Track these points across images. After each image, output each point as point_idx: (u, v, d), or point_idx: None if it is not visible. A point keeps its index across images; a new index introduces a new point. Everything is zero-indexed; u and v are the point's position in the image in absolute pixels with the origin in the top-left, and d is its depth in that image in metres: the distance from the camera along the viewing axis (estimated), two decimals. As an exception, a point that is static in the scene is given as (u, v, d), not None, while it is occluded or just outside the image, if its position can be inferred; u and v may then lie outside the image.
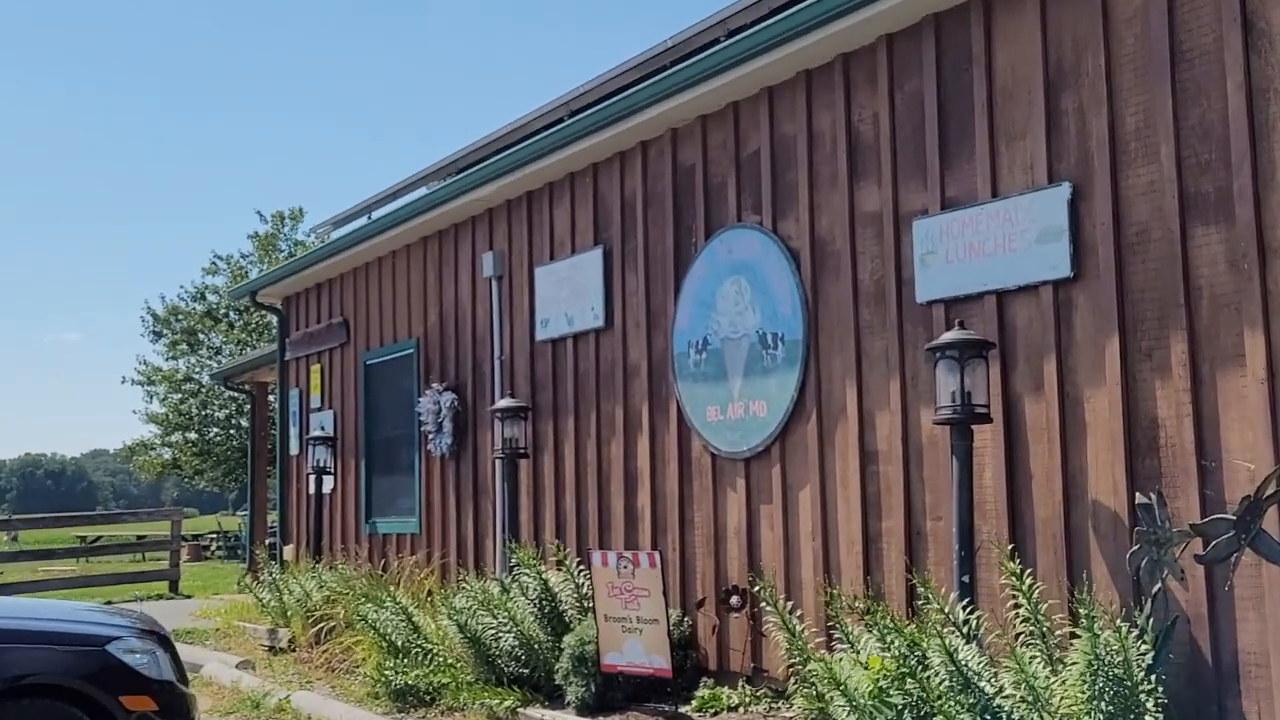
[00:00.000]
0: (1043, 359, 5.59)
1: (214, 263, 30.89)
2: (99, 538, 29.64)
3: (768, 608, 6.17)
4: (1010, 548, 5.46)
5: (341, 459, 12.29)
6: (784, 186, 7.11)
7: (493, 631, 7.85)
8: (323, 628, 10.27)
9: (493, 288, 9.82)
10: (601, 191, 8.70)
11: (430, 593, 10.10)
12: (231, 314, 30.02)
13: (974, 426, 5.60)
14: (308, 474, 12.29)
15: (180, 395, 30.63)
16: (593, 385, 8.63)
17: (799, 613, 6.37)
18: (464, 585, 8.46)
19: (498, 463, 9.47)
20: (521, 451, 8.80)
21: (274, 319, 14.32)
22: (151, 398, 30.88)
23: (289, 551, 13.26)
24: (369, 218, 12.02)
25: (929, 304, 6.13)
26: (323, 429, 12.40)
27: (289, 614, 11.04)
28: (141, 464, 31.86)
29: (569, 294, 8.87)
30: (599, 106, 8.16)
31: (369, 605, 8.91)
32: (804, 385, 6.85)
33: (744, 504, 7.26)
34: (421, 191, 11.10)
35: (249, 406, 18.39)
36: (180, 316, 30.84)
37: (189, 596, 16.82)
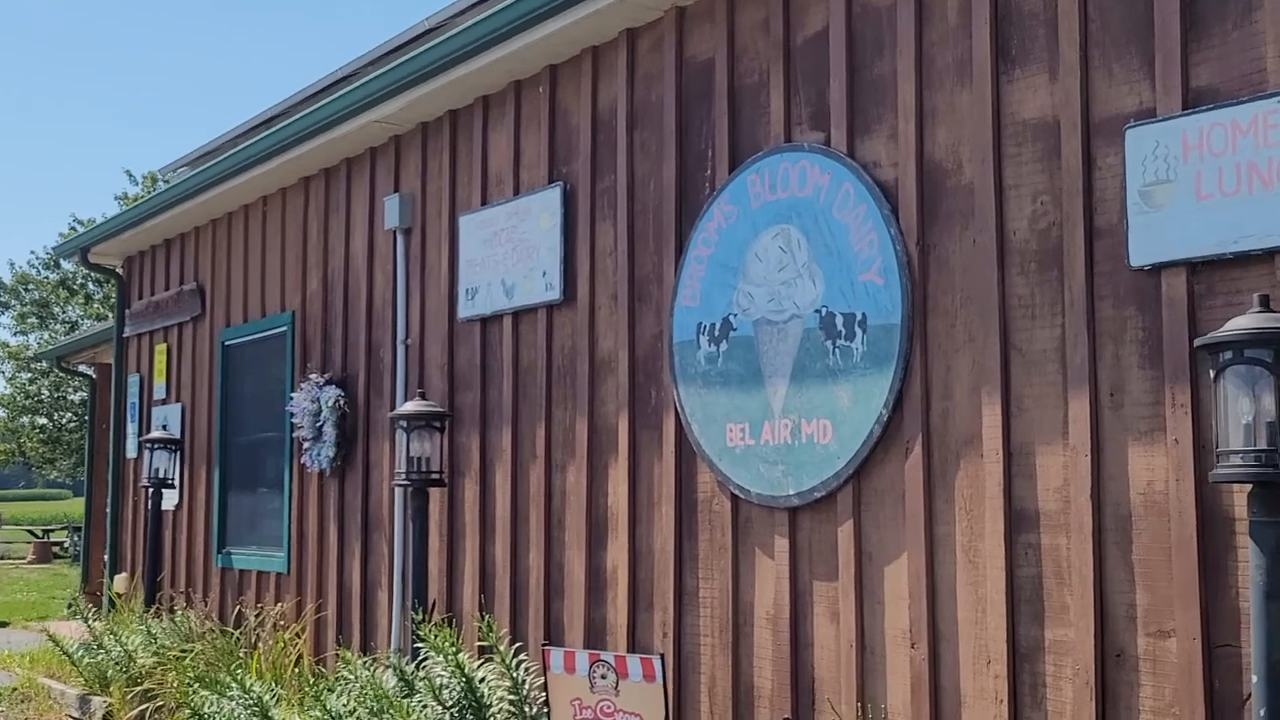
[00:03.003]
0: None
1: (73, 227, 27.35)
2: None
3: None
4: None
5: (190, 467, 9.45)
6: (868, 85, 4.55)
7: (387, 755, 5.19)
8: (149, 707, 7.49)
9: (398, 244, 7.11)
10: (562, 105, 6.05)
11: (301, 660, 7.39)
12: (90, 284, 26.58)
13: (1289, 488, 3.11)
14: (143, 485, 9.42)
15: (30, 375, 27.10)
16: (541, 384, 5.99)
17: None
18: (345, 671, 5.77)
19: (399, 490, 6.77)
20: (434, 477, 6.11)
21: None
22: (-5, 377, 27.32)
23: (121, 582, 10.35)
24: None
25: (1155, 269, 3.62)
26: (165, 427, 9.53)
27: (108, 676, 8.23)
28: (-21, 451, 28.16)
29: (509, 253, 6.22)
30: (565, -25, 5.52)
31: (207, 693, 6.17)
32: (901, 397, 4.31)
33: (786, 576, 4.70)
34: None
35: (88, 392, 15.29)
36: (31, 286, 27.27)
37: (4, 624, 13.73)
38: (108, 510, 11.05)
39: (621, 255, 5.57)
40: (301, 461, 7.78)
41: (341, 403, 7.43)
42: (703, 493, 5.10)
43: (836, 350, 4.53)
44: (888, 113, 4.46)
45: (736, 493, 4.90)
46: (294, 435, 7.86)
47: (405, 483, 6.08)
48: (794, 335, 4.70)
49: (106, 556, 11.15)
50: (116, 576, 10.52)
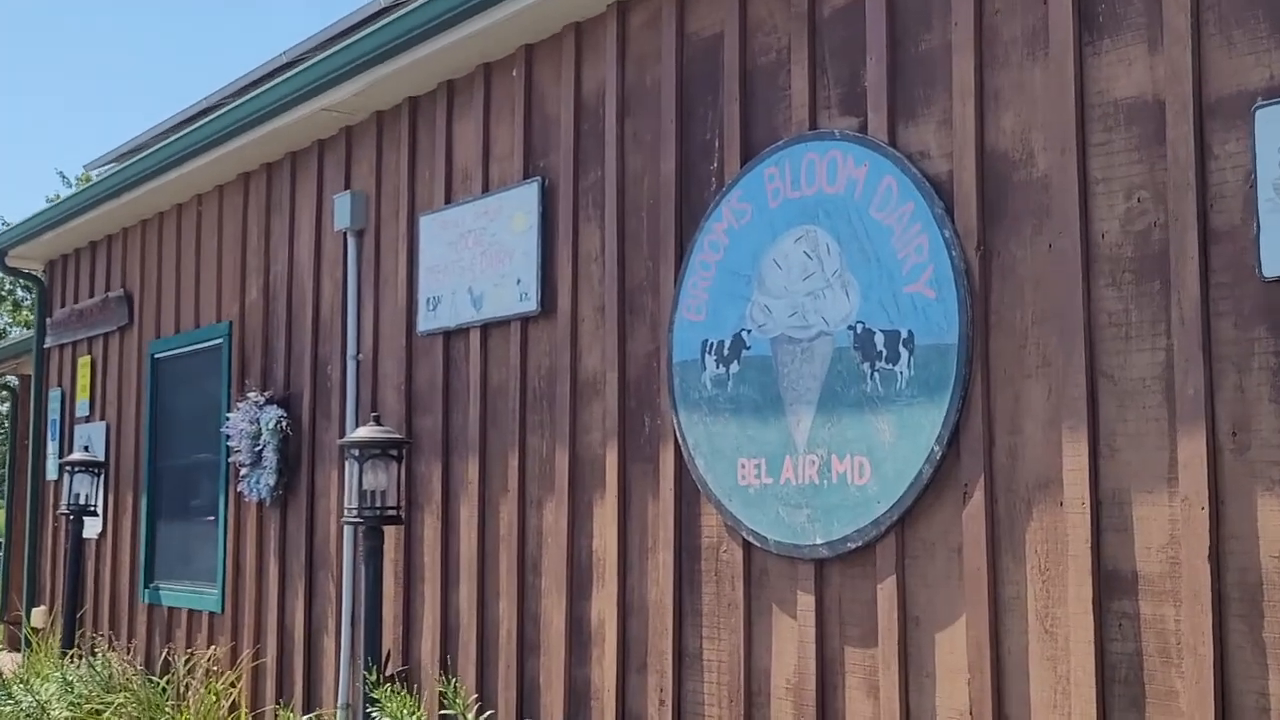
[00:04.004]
0: None
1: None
2: None
3: None
4: None
5: (115, 493, 8.58)
6: (914, 62, 3.86)
7: (335, 846, 4.42)
8: (61, 767, 6.65)
9: (348, 248, 6.34)
10: (540, 90, 5.32)
11: (236, 713, 6.60)
12: (20, 290, 25.41)
13: None
14: (62, 512, 8.54)
15: (-46, 384, 25.82)
16: (514, 408, 5.25)
17: None
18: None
19: (349, 529, 5.99)
20: (391, 514, 5.35)
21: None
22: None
23: (39, 616, 9.45)
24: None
25: (1294, 280, 2.96)
26: (87, 448, 8.66)
27: (19, 728, 7.36)
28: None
29: (477, 258, 5.47)
30: (547, -61, 4.80)
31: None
32: (958, 431, 3.62)
33: (812, 640, 3.98)
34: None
35: (10, 405, 14.29)
36: (-44, 292, 26.04)
37: (-86, 657, 12.70)
38: (27, 536, 10.15)
39: (610, 261, 4.85)
40: (239, 489, 6.96)
41: (284, 424, 6.63)
42: (708, 538, 4.38)
43: (876, 374, 3.83)
44: (939, 94, 3.77)
45: (750, 539, 4.18)
46: (230, 459, 7.04)
47: (357, 520, 5.30)
48: (822, 356, 3.99)
49: (25, 587, 10.22)
50: (34, 609, 9.60)
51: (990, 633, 3.50)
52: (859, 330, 3.88)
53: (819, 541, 3.95)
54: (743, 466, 4.20)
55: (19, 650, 9.52)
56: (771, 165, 4.21)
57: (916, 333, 3.72)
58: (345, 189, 6.42)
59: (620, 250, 4.81)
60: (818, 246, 4.03)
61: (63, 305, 9.67)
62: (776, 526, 4.08)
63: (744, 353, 4.24)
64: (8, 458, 13.55)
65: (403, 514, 5.53)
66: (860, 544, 3.84)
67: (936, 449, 3.64)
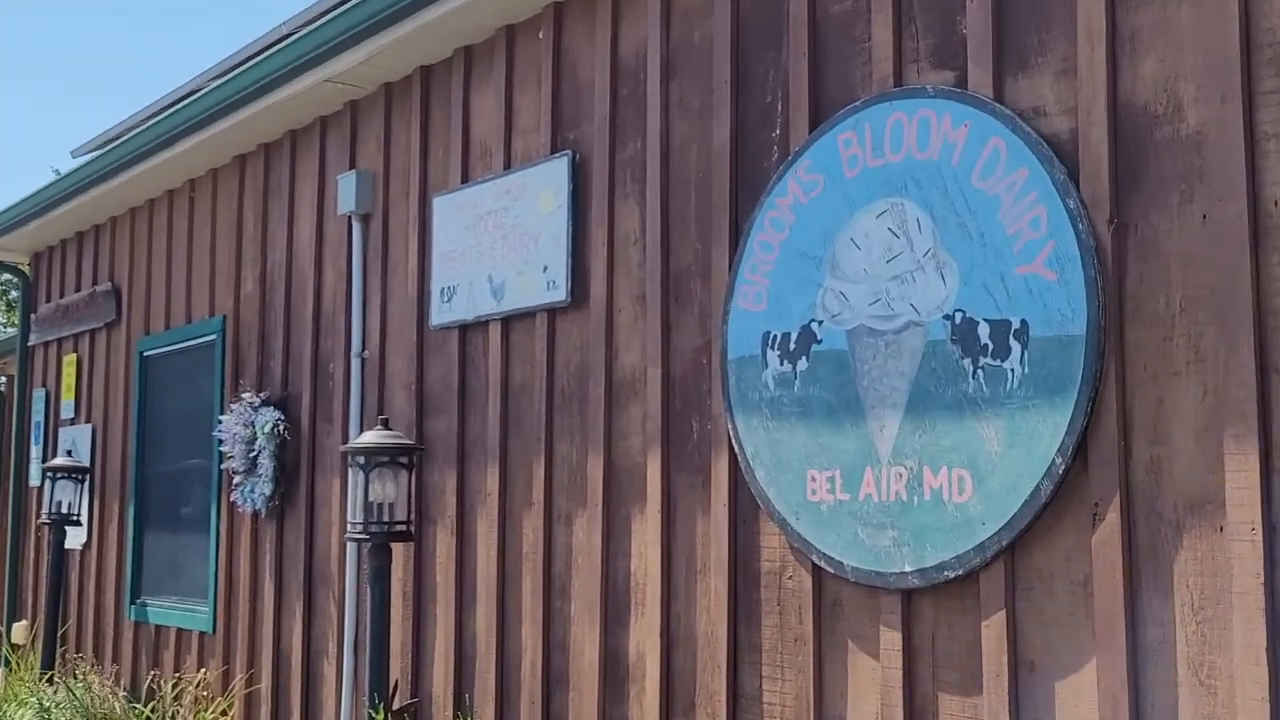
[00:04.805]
0: None
1: (-4, 228, 25.54)
2: None
3: None
4: None
5: (101, 500, 7.99)
6: (1024, 4, 3.27)
7: None
8: (33, 804, 6.07)
9: (353, 233, 5.75)
10: (571, 53, 4.73)
11: (225, 743, 6.01)
12: (13, 290, 24.80)
13: None
14: (42, 522, 7.94)
15: (-53, 386, 25.22)
16: (540, 410, 4.66)
17: None
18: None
19: (353, 545, 5.40)
20: (400, 529, 4.75)
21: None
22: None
23: (19, 631, 8.84)
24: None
25: None
26: (70, 453, 8.06)
27: (-9, 757, 6.78)
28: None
29: (499, 243, 4.88)
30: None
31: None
32: (1085, 440, 3.02)
33: (898, 684, 3.39)
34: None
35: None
36: (-53, 290, 25.44)
37: (-107, 671, 12.09)
38: (8, 545, 9.55)
39: (651, 243, 4.26)
40: (232, 498, 6.37)
41: (281, 428, 6.04)
42: (769, 561, 3.78)
43: (980, 371, 3.23)
44: (1057, 40, 3.18)
45: (821, 564, 3.59)
46: (223, 466, 6.45)
47: (363, 536, 4.71)
48: (911, 350, 3.40)
49: (5, 600, 9.62)
50: (15, 624, 9.00)
51: (1129, 683, 2.90)
52: (958, 320, 3.29)
53: (908, 569, 3.35)
54: (813, 479, 3.61)
55: None
56: (848, 129, 3.62)
57: (1031, 322, 3.13)
58: (350, 169, 5.84)
59: (664, 231, 4.22)
60: (906, 222, 3.44)
61: (48, 300, 9.09)
62: (854, 550, 3.48)
63: (814, 347, 3.64)
64: (-6, 462, 12.93)
65: (413, 529, 4.93)
66: (960, 572, 3.24)
67: (1058, 461, 3.05)
